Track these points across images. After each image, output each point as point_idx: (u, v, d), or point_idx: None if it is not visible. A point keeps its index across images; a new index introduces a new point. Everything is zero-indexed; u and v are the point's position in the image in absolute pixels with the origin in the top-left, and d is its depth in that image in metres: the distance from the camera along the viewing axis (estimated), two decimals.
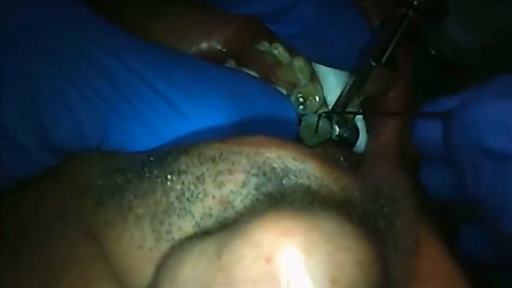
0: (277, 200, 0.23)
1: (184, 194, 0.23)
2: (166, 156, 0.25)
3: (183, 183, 0.24)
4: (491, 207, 0.25)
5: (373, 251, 0.20)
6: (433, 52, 0.40)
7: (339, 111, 0.32)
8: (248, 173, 0.24)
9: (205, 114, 0.26)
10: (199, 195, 0.23)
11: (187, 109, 0.25)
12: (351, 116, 0.32)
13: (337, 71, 0.32)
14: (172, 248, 0.23)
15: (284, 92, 0.32)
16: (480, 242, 0.30)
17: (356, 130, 0.33)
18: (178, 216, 0.23)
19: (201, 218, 0.23)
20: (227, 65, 0.31)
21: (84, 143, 0.25)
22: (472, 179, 0.26)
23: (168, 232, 0.23)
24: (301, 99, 0.32)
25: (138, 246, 0.23)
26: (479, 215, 0.27)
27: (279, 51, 0.32)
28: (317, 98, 0.33)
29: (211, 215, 0.23)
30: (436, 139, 0.28)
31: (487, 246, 0.30)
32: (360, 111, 0.32)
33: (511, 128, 0.25)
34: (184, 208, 0.23)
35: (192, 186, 0.24)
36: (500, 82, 0.26)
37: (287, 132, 0.29)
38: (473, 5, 0.41)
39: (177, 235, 0.23)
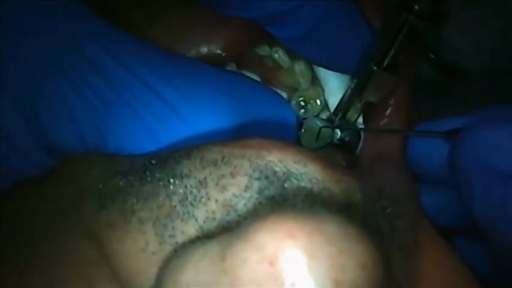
0: (279, 203, 0.23)
1: (187, 198, 0.24)
2: (168, 159, 0.25)
3: (185, 187, 0.24)
4: (501, 227, 0.25)
5: (375, 253, 0.20)
6: (432, 56, 0.40)
7: (339, 125, 0.32)
8: (250, 176, 0.24)
9: (204, 117, 0.26)
10: (202, 199, 0.23)
11: (186, 112, 0.26)
12: (353, 119, 0.32)
13: (339, 74, 0.32)
14: (176, 251, 0.23)
15: (285, 95, 0.33)
16: (475, 255, 0.30)
17: (357, 134, 0.33)
18: (182, 220, 0.23)
19: (204, 222, 0.23)
20: (228, 68, 0.31)
21: (83, 145, 0.25)
22: (481, 199, 0.26)
23: (172, 236, 0.23)
24: (302, 103, 0.33)
25: (141, 249, 0.23)
26: (487, 235, 0.26)
27: (279, 55, 0.32)
28: (318, 101, 0.33)
29: (214, 219, 0.23)
30: (438, 159, 0.28)
31: (482, 261, 0.30)
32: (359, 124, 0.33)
33: None
34: (188, 212, 0.23)
35: (195, 190, 0.24)
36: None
37: (286, 135, 0.29)
38: (472, 8, 0.41)
39: (181, 239, 0.23)
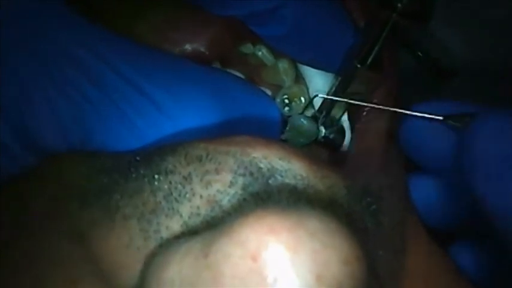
0: (263, 199, 0.24)
1: (171, 194, 0.24)
2: (153, 155, 0.25)
3: (170, 182, 0.24)
4: None
5: (358, 249, 0.20)
6: (420, 54, 0.41)
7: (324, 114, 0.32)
8: (235, 173, 0.24)
9: (189, 114, 0.26)
10: (187, 195, 0.24)
11: (171, 109, 0.26)
12: (337, 117, 0.32)
13: (323, 71, 0.32)
14: (160, 247, 0.23)
15: (269, 93, 0.33)
16: (472, 262, 0.30)
17: (342, 131, 0.33)
18: (166, 215, 0.23)
19: (189, 218, 0.23)
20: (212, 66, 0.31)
21: (67, 143, 0.25)
22: (498, 187, 0.24)
23: (156, 231, 0.23)
24: (286, 101, 0.33)
25: (126, 245, 0.23)
26: (497, 226, 0.25)
27: (263, 53, 0.32)
28: (302, 99, 0.33)
29: (199, 215, 0.23)
30: (441, 145, 0.27)
31: (479, 267, 0.30)
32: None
33: None
34: (172, 208, 0.23)
35: (180, 186, 0.24)
36: None
37: (270, 132, 0.29)
38: (460, 3, 0.41)
39: (165, 234, 0.23)
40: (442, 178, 0.29)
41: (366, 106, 0.31)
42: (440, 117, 0.27)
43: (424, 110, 0.28)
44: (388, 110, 0.29)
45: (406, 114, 0.28)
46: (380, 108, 0.30)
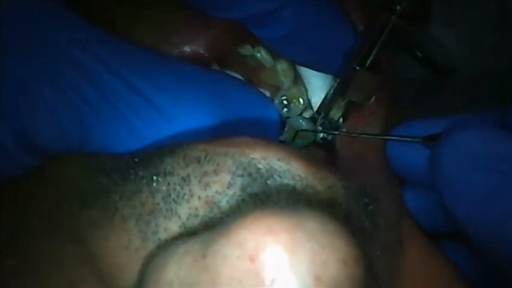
0: (262, 200, 0.24)
1: (170, 195, 0.24)
2: (152, 157, 0.25)
3: (168, 184, 0.24)
4: (488, 226, 0.25)
5: (356, 250, 0.20)
6: (420, 54, 0.41)
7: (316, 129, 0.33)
8: (233, 173, 0.24)
9: (188, 116, 0.26)
10: (185, 196, 0.24)
11: (170, 111, 0.26)
12: (336, 118, 0.32)
13: (322, 73, 0.32)
14: (158, 248, 0.23)
15: (268, 94, 0.33)
16: (461, 257, 0.30)
17: None
18: (165, 217, 0.23)
19: (187, 219, 0.23)
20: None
21: (66, 144, 0.25)
22: (467, 202, 0.26)
23: (155, 233, 0.23)
24: (285, 102, 0.33)
25: (124, 246, 0.23)
26: (473, 237, 0.26)
27: (261, 54, 0.32)
28: (301, 100, 0.33)
29: (197, 216, 0.23)
30: (419, 162, 0.28)
31: (468, 262, 0.30)
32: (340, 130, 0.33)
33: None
34: (171, 209, 0.24)
35: (178, 187, 0.24)
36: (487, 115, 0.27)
37: (269, 134, 0.29)
38: (455, 3, 0.41)
39: (164, 236, 0.23)
40: (423, 189, 0.30)
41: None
42: (419, 139, 0.28)
43: (404, 132, 0.29)
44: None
45: (388, 138, 0.30)
46: (365, 136, 0.31)
